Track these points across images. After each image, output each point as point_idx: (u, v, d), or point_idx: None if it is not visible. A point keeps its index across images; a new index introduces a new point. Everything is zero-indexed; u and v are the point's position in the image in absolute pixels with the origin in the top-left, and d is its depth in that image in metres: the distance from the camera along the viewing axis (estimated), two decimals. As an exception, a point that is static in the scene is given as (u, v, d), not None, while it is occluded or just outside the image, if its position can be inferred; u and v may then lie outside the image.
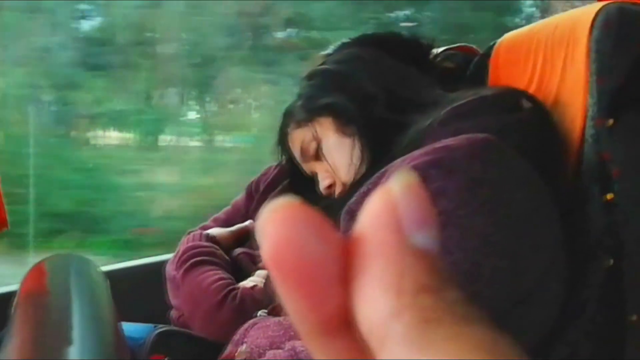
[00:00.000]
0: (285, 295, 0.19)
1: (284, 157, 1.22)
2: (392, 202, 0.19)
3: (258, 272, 1.24)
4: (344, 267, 0.19)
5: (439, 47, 1.21)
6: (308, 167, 1.14)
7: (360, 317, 0.19)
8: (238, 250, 1.33)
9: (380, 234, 0.19)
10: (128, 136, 3.39)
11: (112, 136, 3.34)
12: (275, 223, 0.19)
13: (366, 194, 0.87)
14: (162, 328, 1.16)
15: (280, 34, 3.38)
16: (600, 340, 0.90)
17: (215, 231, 1.35)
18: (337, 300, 0.19)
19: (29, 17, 3.10)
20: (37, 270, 0.84)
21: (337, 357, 0.20)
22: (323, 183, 1.10)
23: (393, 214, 0.19)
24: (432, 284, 0.18)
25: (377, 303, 0.18)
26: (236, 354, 0.96)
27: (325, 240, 0.19)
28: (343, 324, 0.19)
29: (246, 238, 1.36)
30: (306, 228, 0.19)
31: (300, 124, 1.11)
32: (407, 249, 0.19)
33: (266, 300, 1.09)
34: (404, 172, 0.20)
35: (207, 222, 1.43)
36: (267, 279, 1.16)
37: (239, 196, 1.47)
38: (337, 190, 1.09)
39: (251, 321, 1.01)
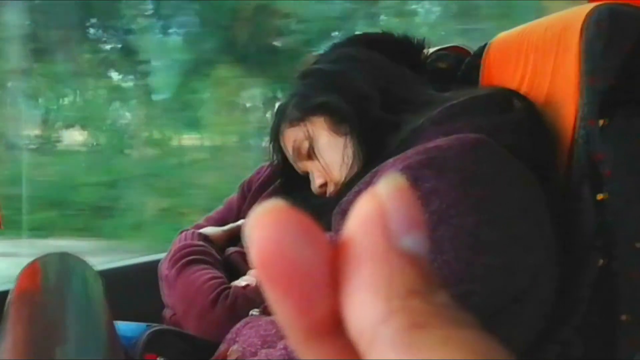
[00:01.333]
0: (274, 300, 0.19)
1: (276, 156, 1.22)
2: (380, 206, 0.19)
3: (251, 271, 1.24)
4: (333, 271, 0.19)
5: (430, 47, 1.21)
6: (301, 166, 1.14)
7: (350, 322, 0.18)
8: (231, 249, 1.33)
9: (369, 238, 0.19)
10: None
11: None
12: (263, 227, 0.19)
13: (359, 193, 0.88)
14: (155, 327, 1.15)
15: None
16: (591, 340, 0.90)
17: (208, 230, 1.35)
18: (327, 305, 0.19)
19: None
20: (31, 269, 0.83)
21: None
22: (316, 182, 1.10)
23: (382, 218, 0.19)
24: (422, 288, 0.18)
25: (366, 307, 0.18)
26: (228, 353, 0.96)
27: (314, 244, 0.19)
28: (332, 328, 0.19)
29: (239, 237, 1.35)
30: (294, 232, 0.19)
31: (293, 123, 1.11)
32: (395, 253, 0.19)
33: (259, 299, 1.09)
34: (392, 175, 0.20)
35: (200, 221, 1.43)
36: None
37: (232, 195, 1.47)
38: (330, 189, 1.09)
39: (244, 320, 1.01)
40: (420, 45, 1.17)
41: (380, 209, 0.19)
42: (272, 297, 0.19)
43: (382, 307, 0.18)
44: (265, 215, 0.19)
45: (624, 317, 0.88)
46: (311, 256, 0.19)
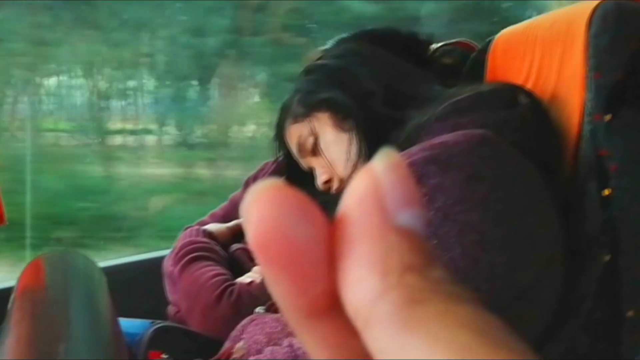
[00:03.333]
0: (271, 279, 0.19)
1: (281, 152, 1.22)
2: (375, 182, 0.19)
3: (255, 268, 1.24)
4: (331, 249, 0.19)
5: (437, 42, 1.20)
6: (305, 162, 1.14)
7: (346, 299, 0.18)
8: (235, 246, 1.33)
9: (364, 214, 0.19)
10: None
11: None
12: (260, 205, 0.19)
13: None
14: (159, 324, 1.16)
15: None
16: (597, 336, 0.90)
17: (212, 227, 1.35)
18: (324, 283, 0.19)
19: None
20: (35, 266, 0.83)
21: (324, 340, 0.19)
22: (320, 178, 1.10)
23: (377, 194, 0.19)
24: (418, 263, 0.18)
25: (362, 284, 0.18)
26: (234, 350, 0.96)
27: (312, 222, 0.19)
28: (330, 306, 0.19)
29: (243, 234, 1.35)
30: (292, 210, 0.19)
31: (297, 119, 1.11)
32: (391, 229, 0.18)
33: (263, 296, 1.09)
34: (386, 151, 0.20)
35: (205, 218, 1.43)
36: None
37: (237, 191, 1.47)
38: (335, 185, 1.08)
39: (249, 317, 1.01)
40: (427, 41, 1.17)
41: (375, 184, 0.19)
42: (270, 276, 0.19)
43: (378, 283, 0.18)
44: (262, 194, 0.19)
45: (629, 314, 0.88)
46: (309, 234, 0.19)
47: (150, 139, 3.37)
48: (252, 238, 0.19)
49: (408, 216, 0.19)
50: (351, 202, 0.19)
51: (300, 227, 0.19)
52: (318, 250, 0.19)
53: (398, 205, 0.19)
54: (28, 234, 2.70)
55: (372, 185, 0.19)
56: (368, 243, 0.18)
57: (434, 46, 1.19)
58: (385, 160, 0.19)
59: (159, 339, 1.11)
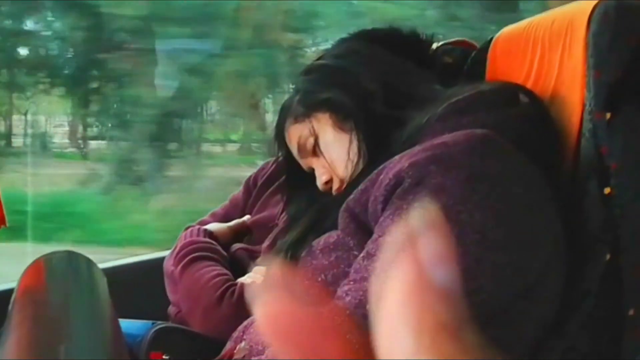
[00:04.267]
0: (281, 354, 0.19)
1: (281, 152, 1.21)
2: (413, 238, 0.19)
3: (256, 267, 1.24)
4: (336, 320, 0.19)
5: (437, 41, 1.20)
6: (305, 162, 1.14)
7: (381, 352, 0.18)
8: (236, 246, 1.33)
9: (401, 270, 0.19)
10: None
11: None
12: (267, 288, 0.19)
13: (364, 191, 0.87)
14: (160, 325, 1.16)
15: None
16: (598, 334, 0.90)
17: (213, 226, 1.35)
18: (333, 352, 0.19)
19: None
20: (36, 267, 0.83)
21: None
22: (320, 179, 1.10)
23: (414, 250, 0.19)
24: (451, 324, 0.18)
25: (396, 340, 0.18)
26: (235, 351, 0.95)
27: (314, 301, 0.19)
28: None
29: (244, 233, 1.35)
30: (295, 291, 0.19)
31: (297, 119, 1.11)
32: (427, 286, 0.18)
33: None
34: (425, 206, 0.20)
35: (206, 217, 1.43)
36: (266, 275, 1.16)
37: (237, 191, 1.47)
38: (335, 186, 1.08)
39: (250, 318, 1.01)
40: (428, 41, 1.17)
41: (413, 241, 0.19)
42: (281, 356, 0.19)
43: (412, 343, 0.18)
44: (268, 277, 0.19)
45: (631, 312, 0.88)
46: (313, 313, 0.19)
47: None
48: (264, 328, 0.19)
49: (444, 275, 0.19)
50: (389, 256, 0.19)
51: (306, 309, 0.19)
52: (325, 323, 0.19)
53: (435, 263, 0.19)
54: (29, 236, 2.70)
55: (410, 241, 0.19)
56: (403, 299, 0.18)
57: (435, 45, 1.19)
58: (423, 216, 0.19)
59: (160, 339, 1.11)
